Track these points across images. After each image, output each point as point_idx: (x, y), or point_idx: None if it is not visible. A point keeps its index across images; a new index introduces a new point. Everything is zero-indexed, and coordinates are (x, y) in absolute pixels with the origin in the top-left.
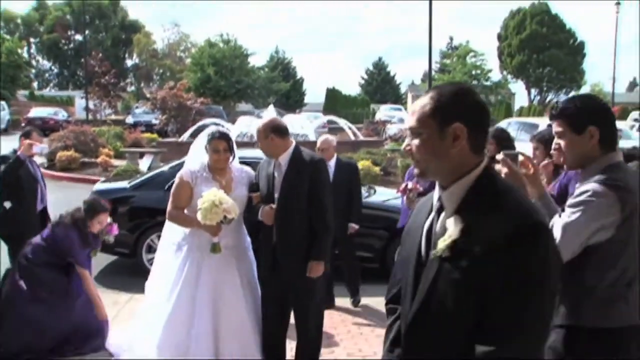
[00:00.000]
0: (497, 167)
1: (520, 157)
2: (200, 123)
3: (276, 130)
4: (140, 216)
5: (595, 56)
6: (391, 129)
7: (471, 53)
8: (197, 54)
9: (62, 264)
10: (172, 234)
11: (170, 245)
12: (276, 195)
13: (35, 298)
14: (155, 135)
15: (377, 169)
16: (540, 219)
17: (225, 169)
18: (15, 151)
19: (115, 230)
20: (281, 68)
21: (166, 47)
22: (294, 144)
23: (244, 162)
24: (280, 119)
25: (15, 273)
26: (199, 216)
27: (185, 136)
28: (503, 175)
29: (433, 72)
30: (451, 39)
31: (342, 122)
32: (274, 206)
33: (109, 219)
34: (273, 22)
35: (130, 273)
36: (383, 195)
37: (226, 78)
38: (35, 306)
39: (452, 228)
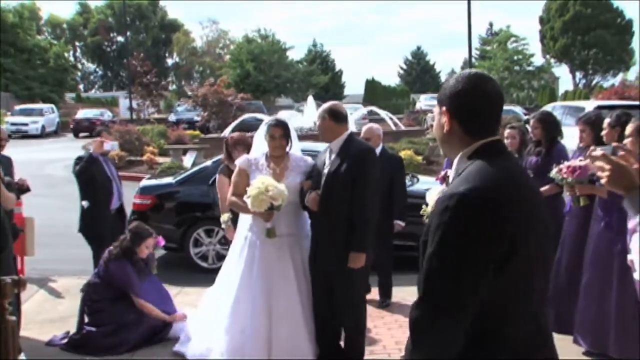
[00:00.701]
0: (598, 163)
1: (620, 152)
2: (241, 118)
3: (332, 114)
4: (187, 211)
5: None
6: (432, 118)
7: (512, 38)
8: (236, 50)
9: (126, 294)
10: (241, 223)
11: (239, 234)
12: (322, 182)
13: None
14: (197, 132)
15: (419, 158)
16: (464, 191)
17: (283, 157)
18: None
19: (161, 242)
20: (319, 61)
21: (205, 44)
22: (349, 131)
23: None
24: (341, 105)
25: (82, 320)
26: (248, 203)
27: (227, 132)
28: (605, 173)
29: (473, 60)
30: (491, 24)
31: (383, 113)
32: (319, 192)
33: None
34: (310, 15)
35: (179, 267)
36: (426, 184)
37: (265, 73)
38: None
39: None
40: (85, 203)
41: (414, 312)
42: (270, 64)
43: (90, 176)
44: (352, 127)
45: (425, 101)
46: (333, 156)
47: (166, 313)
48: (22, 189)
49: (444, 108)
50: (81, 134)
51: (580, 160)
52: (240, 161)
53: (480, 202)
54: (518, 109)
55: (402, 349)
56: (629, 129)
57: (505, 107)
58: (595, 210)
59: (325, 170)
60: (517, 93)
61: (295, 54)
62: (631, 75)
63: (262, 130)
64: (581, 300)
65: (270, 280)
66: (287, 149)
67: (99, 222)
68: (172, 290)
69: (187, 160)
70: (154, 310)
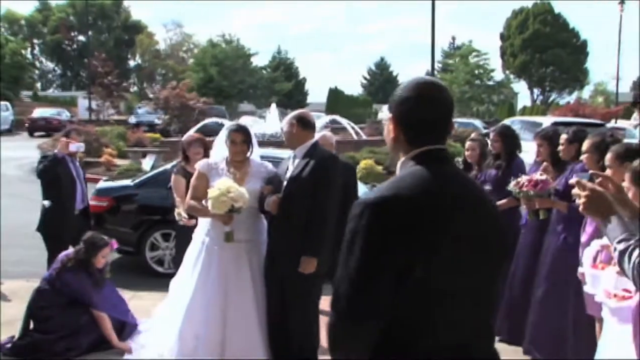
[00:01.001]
0: (575, 191)
1: (597, 179)
2: (202, 123)
3: (300, 121)
4: (144, 214)
5: (598, 55)
6: None
7: (474, 52)
8: (200, 54)
9: (77, 301)
10: (198, 227)
11: (196, 239)
12: (284, 186)
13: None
14: (157, 135)
15: (379, 168)
16: (371, 200)
17: (243, 162)
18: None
19: (114, 245)
20: (283, 68)
21: (169, 47)
22: (314, 139)
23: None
24: (310, 114)
25: (27, 326)
26: (209, 205)
27: (186, 135)
28: (582, 200)
29: (435, 72)
30: (453, 38)
31: (345, 122)
32: (279, 196)
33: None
34: (275, 22)
35: (134, 271)
36: None
37: (228, 78)
38: (61, 343)
39: None
40: (46, 202)
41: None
42: (234, 69)
43: (54, 176)
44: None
45: (387, 112)
46: (297, 161)
47: (119, 320)
48: None
49: (390, 115)
50: (36, 133)
51: (541, 174)
52: (200, 165)
53: (380, 211)
54: (478, 123)
55: None
56: (585, 145)
57: (465, 120)
58: (552, 224)
59: (287, 175)
60: (477, 107)
61: (260, 60)
62: (585, 93)
63: (223, 134)
64: (536, 313)
65: (226, 285)
66: (248, 154)
67: (59, 221)
68: (126, 295)
69: (146, 163)
70: (108, 325)
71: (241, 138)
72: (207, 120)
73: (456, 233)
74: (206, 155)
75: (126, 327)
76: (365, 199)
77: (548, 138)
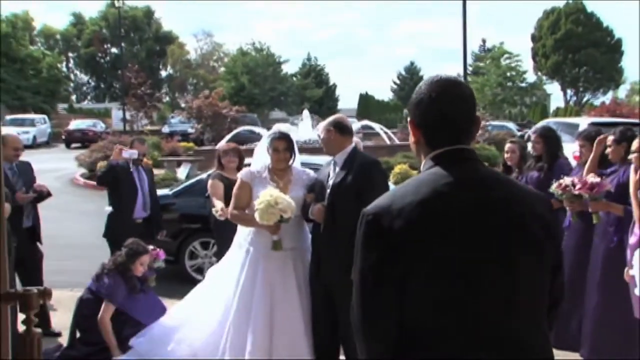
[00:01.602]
0: None
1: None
2: (235, 131)
3: (337, 126)
4: (183, 223)
5: (634, 53)
6: None
7: (505, 55)
8: (231, 63)
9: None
10: (239, 235)
11: (237, 246)
12: (327, 194)
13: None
14: (191, 144)
15: (414, 172)
16: (368, 210)
17: (286, 170)
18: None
19: (162, 255)
20: (314, 75)
21: (199, 57)
22: (353, 144)
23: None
24: (346, 118)
25: (74, 336)
26: (256, 216)
27: (221, 144)
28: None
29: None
30: (484, 41)
31: (377, 127)
32: (324, 204)
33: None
34: (304, 28)
35: (173, 280)
36: None
37: (259, 86)
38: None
39: None
40: (108, 208)
41: None
42: (264, 77)
43: (113, 183)
44: None
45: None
46: (337, 169)
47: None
48: (42, 195)
49: (409, 119)
50: (73, 145)
51: (594, 177)
52: (242, 174)
53: (372, 221)
54: (511, 125)
55: None
56: (635, 144)
57: (498, 123)
58: (600, 226)
59: (330, 183)
60: (510, 109)
61: (290, 68)
62: (621, 93)
63: (264, 142)
64: (594, 320)
65: (272, 295)
66: (291, 162)
67: (119, 229)
68: (167, 303)
69: (181, 172)
70: (109, 334)
71: (284, 146)
72: (240, 129)
73: (464, 239)
74: (241, 163)
75: None
76: (365, 209)
77: (590, 139)
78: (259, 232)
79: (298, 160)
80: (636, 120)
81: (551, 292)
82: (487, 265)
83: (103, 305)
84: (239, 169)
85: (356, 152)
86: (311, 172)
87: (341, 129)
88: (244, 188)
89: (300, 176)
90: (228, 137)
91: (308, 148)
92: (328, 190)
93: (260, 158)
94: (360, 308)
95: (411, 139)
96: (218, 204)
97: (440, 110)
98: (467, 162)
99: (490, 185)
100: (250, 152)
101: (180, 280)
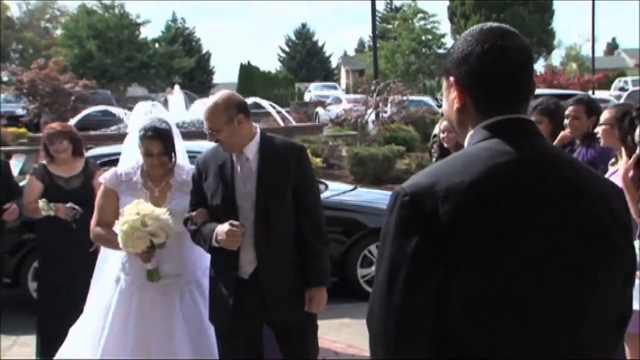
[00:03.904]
0: None
1: None
2: (84, 112)
3: (244, 109)
4: (24, 234)
5: (567, 13)
6: (330, 111)
7: (419, 14)
8: (72, 24)
9: None
10: (104, 260)
11: (107, 274)
12: (240, 204)
13: None
14: (23, 130)
15: (318, 160)
16: (404, 189)
17: (164, 173)
18: None
19: None
20: (181, 41)
21: (26, 15)
22: (258, 128)
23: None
24: (236, 93)
25: None
26: (119, 242)
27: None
28: None
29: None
30: None
31: (267, 105)
32: (236, 223)
33: None
34: None
35: (13, 308)
36: (336, 192)
37: (112, 54)
38: None
39: None
40: None
41: None
42: (118, 42)
43: None
44: None
45: (316, 91)
46: (256, 165)
47: None
48: None
49: (451, 79)
50: None
51: None
52: (107, 178)
53: (410, 203)
54: (429, 100)
55: None
56: (605, 114)
57: (414, 98)
58: None
59: (246, 188)
60: (426, 81)
61: (150, 31)
62: (555, 59)
63: (135, 136)
64: None
65: (148, 338)
66: (171, 165)
67: None
68: (4, 342)
69: (13, 166)
70: None
71: (159, 148)
72: (90, 110)
73: (526, 234)
74: (77, 151)
75: None
76: (398, 188)
77: (550, 113)
78: (133, 257)
79: (182, 150)
80: (577, 92)
81: (620, 306)
82: (551, 269)
83: None
84: (80, 153)
85: (270, 138)
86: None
87: (247, 111)
88: (109, 197)
89: (184, 178)
90: (75, 119)
91: (182, 133)
92: (243, 200)
93: (130, 155)
94: (385, 314)
95: (450, 104)
96: (41, 202)
97: (497, 66)
98: (531, 136)
99: (560, 167)
100: (103, 140)
101: (21, 309)
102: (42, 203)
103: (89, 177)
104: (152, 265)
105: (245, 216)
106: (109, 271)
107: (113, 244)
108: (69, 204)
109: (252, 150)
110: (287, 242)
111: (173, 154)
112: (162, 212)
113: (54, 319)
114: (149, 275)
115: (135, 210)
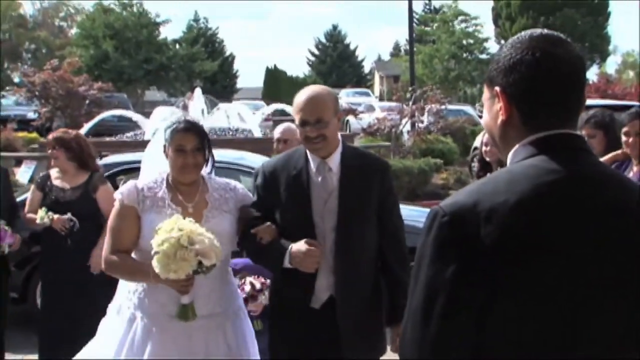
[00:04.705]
0: None
1: None
2: (99, 117)
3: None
4: (32, 246)
5: (623, 17)
6: (361, 120)
7: (460, 17)
8: (87, 23)
9: None
10: (119, 293)
11: (114, 312)
12: (316, 220)
13: None
14: (34, 135)
15: None
16: (444, 209)
17: (197, 185)
18: None
19: (9, 238)
20: (204, 41)
21: (39, 13)
22: (340, 137)
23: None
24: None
25: None
26: (156, 266)
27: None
28: None
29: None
30: None
31: None
32: (314, 242)
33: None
34: None
35: (19, 325)
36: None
37: (130, 55)
38: None
39: None
40: None
41: None
42: (136, 43)
43: None
44: (256, 131)
45: (347, 97)
46: (337, 177)
47: None
48: None
49: (497, 89)
50: None
51: None
52: (124, 193)
53: (450, 223)
54: (470, 109)
55: None
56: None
57: (453, 107)
58: None
59: (327, 203)
60: (467, 88)
61: (171, 31)
62: (610, 67)
63: (160, 137)
64: None
65: None
66: (205, 170)
67: None
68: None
69: (23, 173)
70: None
71: (194, 143)
72: (105, 114)
73: (570, 254)
74: (79, 161)
75: None
76: (436, 207)
77: (604, 126)
78: (153, 289)
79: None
80: (634, 103)
81: None
82: (599, 291)
83: None
84: (84, 164)
85: (351, 147)
86: (237, 185)
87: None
88: (128, 216)
89: (223, 193)
90: (89, 125)
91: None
92: (321, 216)
93: (151, 165)
94: (420, 343)
95: (493, 116)
96: (42, 212)
97: (549, 76)
98: (579, 153)
99: (609, 186)
100: (118, 147)
101: (28, 326)
102: (40, 211)
103: (91, 191)
104: (188, 298)
105: (322, 235)
106: (117, 308)
107: (133, 274)
108: (68, 215)
109: (335, 160)
110: (369, 269)
111: (210, 156)
112: (205, 230)
113: (51, 338)
114: (181, 313)
115: (174, 226)
